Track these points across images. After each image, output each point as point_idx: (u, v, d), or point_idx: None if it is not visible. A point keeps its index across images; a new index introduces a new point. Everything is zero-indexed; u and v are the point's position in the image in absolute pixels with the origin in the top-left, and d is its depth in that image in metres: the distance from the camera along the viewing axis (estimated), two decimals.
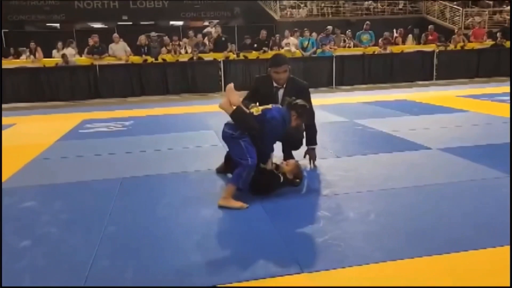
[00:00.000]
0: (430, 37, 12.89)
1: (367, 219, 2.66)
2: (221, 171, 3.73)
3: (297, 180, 3.31)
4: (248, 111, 3.08)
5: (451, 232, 2.45)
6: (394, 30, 13.49)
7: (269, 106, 3.18)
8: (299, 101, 3.21)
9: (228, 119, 3.10)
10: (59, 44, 11.39)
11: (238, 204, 2.95)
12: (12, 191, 3.48)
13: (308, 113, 3.34)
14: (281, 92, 3.74)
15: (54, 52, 11.37)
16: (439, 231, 2.46)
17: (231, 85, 3.10)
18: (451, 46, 12.59)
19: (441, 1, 17.46)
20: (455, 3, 17.36)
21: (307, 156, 3.92)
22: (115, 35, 11.45)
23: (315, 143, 3.90)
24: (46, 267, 2.22)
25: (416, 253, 2.19)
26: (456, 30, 13.63)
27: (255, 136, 3.04)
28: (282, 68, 3.62)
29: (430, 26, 13.52)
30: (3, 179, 3.79)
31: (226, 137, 3.10)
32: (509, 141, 4.41)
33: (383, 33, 12.62)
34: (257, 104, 3.21)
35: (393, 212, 2.77)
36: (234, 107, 3.01)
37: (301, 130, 3.92)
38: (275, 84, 3.71)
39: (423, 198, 3.01)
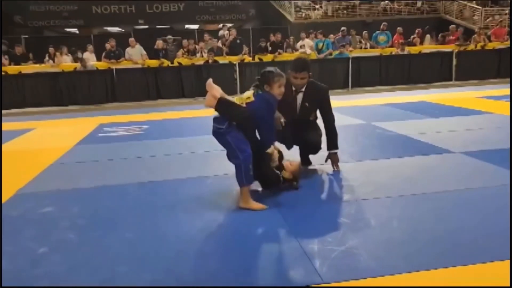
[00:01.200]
0: (451, 37, 12.66)
1: (388, 227, 2.59)
2: None
3: (295, 183, 3.30)
4: (231, 101, 3.01)
5: (475, 240, 2.36)
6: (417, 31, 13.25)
7: (251, 95, 3.04)
8: (262, 72, 3.09)
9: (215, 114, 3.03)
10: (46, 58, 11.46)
11: (258, 206, 2.95)
12: (31, 196, 3.51)
13: (277, 72, 3.12)
14: (300, 96, 3.70)
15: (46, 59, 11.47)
16: (463, 239, 2.38)
17: (210, 80, 3.04)
18: (471, 46, 12.34)
19: (460, 1, 17.15)
20: (474, 2, 17.04)
21: (329, 161, 3.85)
22: (131, 39, 11.58)
23: (337, 147, 3.82)
24: (65, 273, 2.21)
25: (439, 264, 2.11)
26: (476, 30, 13.37)
27: (246, 126, 2.98)
28: (301, 74, 3.58)
29: (452, 26, 13.28)
30: (23, 183, 3.83)
31: (215, 132, 3.04)
32: None
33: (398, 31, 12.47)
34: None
35: (415, 219, 2.69)
36: (217, 100, 2.94)
37: (319, 133, 3.87)
38: (294, 88, 3.67)
39: (445, 204, 2.92)
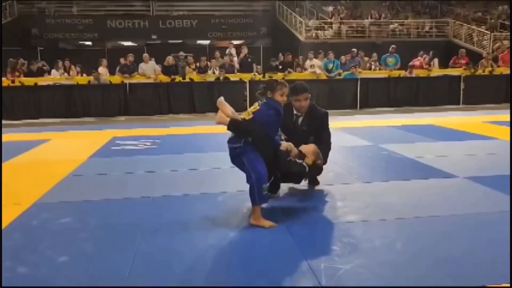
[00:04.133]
0: (461, 61, 12.80)
1: (393, 248, 2.70)
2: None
3: (319, 161, 3.46)
4: (241, 119, 3.16)
5: (477, 264, 2.46)
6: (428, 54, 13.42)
7: (256, 106, 3.20)
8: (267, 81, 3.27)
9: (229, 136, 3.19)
10: (60, 63, 11.73)
11: (268, 223, 3.07)
12: (49, 206, 3.66)
13: (279, 81, 3.29)
14: (300, 120, 3.81)
15: (53, 71, 11.70)
16: (465, 263, 2.48)
17: (222, 98, 3.20)
18: (479, 71, 12.47)
19: (468, 25, 17.36)
20: (483, 27, 17.22)
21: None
22: (145, 54, 11.86)
23: (324, 161, 3.75)
24: (84, 282, 2.34)
25: (438, 285, 2.21)
26: (484, 55, 13.51)
27: (258, 138, 3.07)
28: (303, 96, 3.71)
29: (461, 50, 13.44)
30: (40, 194, 3.99)
31: (232, 153, 3.16)
32: None
33: (411, 57, 12.65)
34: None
35: (419, 241, 2.80)
36: (229, 119, 3.10)
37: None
38: (295, 112, 3.80)
39: (449, 228, 3.02)
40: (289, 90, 3.76)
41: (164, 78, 11.51)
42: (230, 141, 3.17)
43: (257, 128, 3.08)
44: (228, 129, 3.14)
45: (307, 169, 3.41)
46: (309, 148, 3.46)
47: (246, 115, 3.18)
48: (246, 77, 11.63)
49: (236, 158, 3.16)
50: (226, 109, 3.15)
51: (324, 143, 3.76)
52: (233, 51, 13.23)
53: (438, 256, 2.56)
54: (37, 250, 2.76)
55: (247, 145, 3.06)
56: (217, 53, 12.87)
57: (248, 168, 3.06)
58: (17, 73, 11.21)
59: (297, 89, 3.74)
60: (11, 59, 11.47)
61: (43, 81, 11.19)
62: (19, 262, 2.58)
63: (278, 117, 3.18)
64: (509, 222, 3.04)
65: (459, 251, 2.63)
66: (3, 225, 3.17)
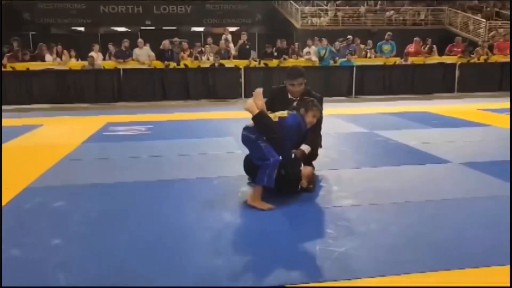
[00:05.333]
0: (456, 49, 12.79)
1: (387, 231, 2.70)
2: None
3: (311, 186, 3.46)
4: (269, 117, 3.20)
5: (468, 247, 2.47)
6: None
7: (285, 113, 3.29)
8: (303, 98, 3.34)
9: (246, 123, 3.22)
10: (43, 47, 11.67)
11: (265, 206, 3.07)
12: (42, 190, 3.63)
13: (316, 103, 3.41)
14: (295, 104, 3.79)
15: (47, 56, 11.60)
16: (461, 245, 2.49)
17: (260, 90, 3.22)
18: (475, 59, 12.47)
19: (464, 13, 17.31)
20: (478, 15, 17.18)
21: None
22: (140, 40, 11.73)
23: (308, 149, 3.60)
24: (79, 264, 2.32)
25: (432, 267, 2.22)
26: (480, 43, 13.51)
27: (274, 139, 3.13)
28: (297, 81, 3.69)
29: (457, 38, 13.43)
30: (33, 178, 3.95)
31: (246, 140, 3.22)
32: None
33: (406, 45, 12.61)
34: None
35: (413, 225, 2.80)
36: (258, 110, 3.12)
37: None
38: (290, 96, 3.77)
39: (442, 212, 3.03)
40: (285, 74, 3.76)
41: (159, 64, 11.39)
42: (245, 129, 3.21)
43: (279, 132, 3.15)
44: (253, 119, 3.15)
45: (299, 188, 3.42)
46: (305, 172, 3.46)
47: (273, 116, 3.23)
48: (242, 63, 11.54)
49: (251, 143, 3.19)
50: (259, 100, 3.17)
51: (313, 140, 3.69)
52: (229, 37, 13.10)
53: (433, 240, 2.57)
54: (30, 233, 2.74)
55: (260, 137, 3.12)
56: (210, 39, 12.71)
57: (265, 152, 3.08)
58: (14, 60, 11.08)
59: (292, 73, 3.73)
60: (15, 49, 11.35)
61: (35, 66, 11.03)
62: (11, 244, 2.55)
63: (296, 135, 3.28)
64: (503, 207, 3.06)
65: (453, 234, 2.65)
66: None
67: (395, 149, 5.06)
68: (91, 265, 2.30)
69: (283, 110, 3.58)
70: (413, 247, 2.47)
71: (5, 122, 7.30)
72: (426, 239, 2.57)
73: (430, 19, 18.14)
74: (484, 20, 16.38)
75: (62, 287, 2.12)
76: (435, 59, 12.73)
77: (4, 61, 10.89)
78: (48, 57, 11.54)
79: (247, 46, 12.51)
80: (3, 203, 3.27)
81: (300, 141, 3.46)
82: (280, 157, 3.13)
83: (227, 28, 14.61)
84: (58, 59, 11.44)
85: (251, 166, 3.40)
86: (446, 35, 16.42)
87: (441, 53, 13.23)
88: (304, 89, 3.74)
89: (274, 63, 11.91)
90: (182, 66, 11.49)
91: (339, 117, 7.11)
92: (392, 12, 18.16)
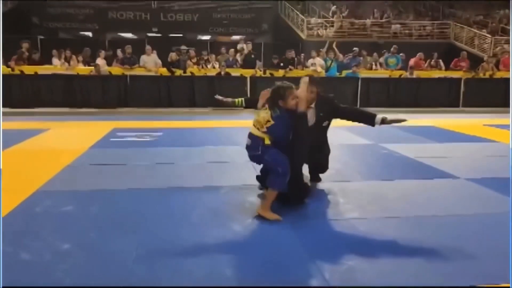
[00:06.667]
0: (462, 63, 12.84)
1: (393, 245, 2.72)
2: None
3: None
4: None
5: (477, 264, 2.48)
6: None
7: (269, 119, 3.15)
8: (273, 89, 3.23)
9: (246, 143, 3.28)
10: (54, 52, 11.80)
11: (274, 216, 3.09)
12: (51, 194, 3.65)
13: (283, 84, 3.25)
14: (310, 112, 3.83)
15: (55, 60, 11.72)
16: (465, 261, 2.50)
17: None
18: (480, 74, 12.51)
19: (469, 28, 17.39)
20: (484, 30, 17.26)
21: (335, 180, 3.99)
22: (148, 47, 11.82)
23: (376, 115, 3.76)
24: (88, 269, 2.34)
25: (440, 283, 2.23)
26: (485, 58, 13.55)
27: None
28: (311, 89, 3.73)
29: (463, 52, 13.49)
30: (42, 182, 3.98)
31: (254, 159, 3.31)
32: None
33: (410, 59, 12.68)
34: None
35: (418, 240, 2.81)
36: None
37: (327, 153, 4.03)
38: None
39: (448, 228, 3.03)
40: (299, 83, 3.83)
41: (165, 72, 11.47)
42: (248, 148, 3.28)
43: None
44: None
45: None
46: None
47: (257, 123, 3.18)
48: (247, 73, 11.61)
49: (258, 159, 3.28)
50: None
51: (354, 110, 4.11)
52: (245, 46, 13.17)
53: (439, 256, 2.58)
54: (40, 237, 2.76)
55: (264, 147, 3.15)
56: (223, 49, 12.81)
57: (273, 164, 3.12)
58: (21, 62, 11.18)
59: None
60: (20, 50, 11.46)
61: (43, 70, 11.13)
62: (21, 247, 2.58)
63: (290, 130, 3.21)
64: (507, 222, 3.06)
65: (460, 250, 2.65)
66: (4, 213, 3.16)
67: (401, 162, 5.07)
68: (98, 271, 2.32)
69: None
70: (420, 262, 2.48)
71: (13, 125, 7.37)
72: (433, 255, 2.58)
73: (435, 33, 18.23)
74: (489, 35, 16.45)
75: (62, 287, 2.14)
76: (440, 73, 12.77)
77: (12, 64, 10.99)
78: (55, 61, 11.63)
79: (252, 56, 12.59)
80: (13, 206, 3.30)
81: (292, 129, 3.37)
82: (287, 163, 3.12)
83: (242, 37, 14.70)
84: (66, 64, 11.52)
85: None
86: (451, 49, 16.49)
87: (446, 67, 13.28)
88: (315, 97, 3.80)
89: (279, 73, 11.97)
90: (188, 73, 11.57)
91: (344, 128, 7.12)
92: (398, 25, 18.26)
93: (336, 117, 3.95)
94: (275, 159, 3.12)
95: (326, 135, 4.06)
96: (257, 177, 3.77)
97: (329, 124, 3.98)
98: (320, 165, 4.01)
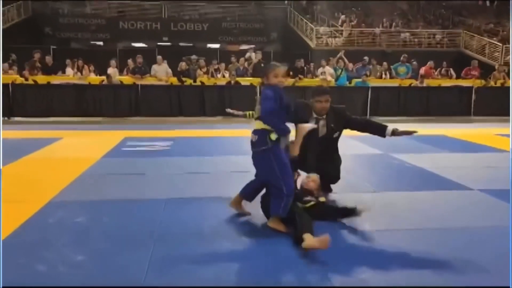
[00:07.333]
0: (473, 72, 12.77)
1: (405, 258, 2.70)
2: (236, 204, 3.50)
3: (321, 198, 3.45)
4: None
5: (486, 277, 2.46)
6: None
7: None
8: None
9: (251, 139, 3.16)
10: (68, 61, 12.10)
11: (285, 228, 3.05)
12: (65, 204, 3.69)
13: (270, 64, 3.22)
14: (322, 123, 3.85)
15: (68, 69, 11.96)
16: (475, 276, 2.48)
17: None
18: (491, 83, 12.42)
19: (480, 37, 17.31)
20: (494, 38, 17.17)
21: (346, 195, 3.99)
22: (159, 57, 11.98)
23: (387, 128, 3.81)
24: (100, 281, 2.36)
25: None
26: (496, 66, 13.47)
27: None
28: (324, 98, 3.82)
29: (474, 61, 13.44)
30: (55, 193, 4.02)
31: (257, 155, 3.10)
32: None
33: (421, 67, 12.66)
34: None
35: (430, 252, 2.79)
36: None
37: (338, 163, 4.04)
38: (315, 115, 3.84)
39: (462, 241, 3.01)
40: (311, 93, 3.87)
41: (176, 81, 11.59)
42: (253, 145, 3.10)
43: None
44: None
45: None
46: (311, 186, 3.48)
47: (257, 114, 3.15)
48: (257, 82, 11.64)
49: (259, 156, 3.08)
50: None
51: (365, 121, 4.16)
52: (253, 55, 13.27)
53: (452, 269, 2.55)
54: (54, 248, 2.79)
55: (273, 145, 3.00)
56: (233, 58, 12.90)
57: (278, 174, 2.97)
58: (35, 71, 11.38)
59: (319, 91, 3.95)
60: (33, 59, 11.68)
61: (56, 79, 11.30)
62: (36, 259, 2.61)
63: (274, 93, 3.00)
64: None
65: (473, 263, 2.62)
66: (19, 223, 3.20)
67: (412, 173, 5.04)
68: (112, 282, 2.34)
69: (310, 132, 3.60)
70: (430, 275, 2.46)
71: (26, 134, 7.49)
72: (445, 267, 2.56)
73: (445, 41, 18.17)
74: (500, 44, 16.35)
75: (62, 287, 2.17)
76: (450, 82, 12.71)
77: (26, 74, 11.18)
78: (69, 70, 11.82)
79: (262, 65, 12.65)
80: (27, 217, 3.34)
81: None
82: (292, 184, 3.10)
83: (251, 47, 14.83)
84: (79, 73, 11.70)
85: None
86: (462, 58, 16.42)
87: (456, 75, 13.22)
88: (328, 107, 3.85)
89: (289, 82, 12.01)
90: (198, 83, 11.66)
91: (354, 138, 7.09)
92: (407, 34, 18.24)
93: (347, 127, 3.97)
94: (282, 171, 2.97)
95: (337, 146, 4.09)
96: (262, 208, 3.46)
97: (339, 135, 3.99)
98: (331, 176, 4.02)
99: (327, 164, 3.90)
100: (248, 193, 3.43)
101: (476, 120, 11.13)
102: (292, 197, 3.07)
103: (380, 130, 3.83)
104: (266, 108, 3.00)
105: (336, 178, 4.03)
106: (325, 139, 3.91)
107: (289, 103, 3.17)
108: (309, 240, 2.69)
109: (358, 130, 4.01)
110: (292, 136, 3.23)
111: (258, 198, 3.42)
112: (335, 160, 4.07)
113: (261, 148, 3.04)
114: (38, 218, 3.35)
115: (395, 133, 3.71)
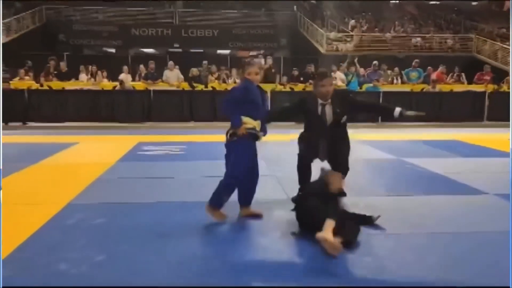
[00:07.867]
0: (485, 77, 12.70)
1: (422, 263, 2.71)
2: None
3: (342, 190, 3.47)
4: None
5: (500, 281, 2.44)
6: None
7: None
8: None
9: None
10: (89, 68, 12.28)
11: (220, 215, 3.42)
12: (83, 207, 3.77)
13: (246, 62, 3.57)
14: (328, 108, 3.82)
15: (82, 75, 12.17)
16: (496, 280, 2.47)
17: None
18: (504, 87, 12.33)
19: (492, 42, 17.20)
20: (507, 43, 17.02)
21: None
22: (171, 63, 12.12)
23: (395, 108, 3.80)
24: (123, 280, 2.41)
25: None
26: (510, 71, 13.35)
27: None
28: (328, 81, 3.77)
29: (486, 66, 13.36)
30: (73, 195, 4.10)
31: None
32: None
33: (431, 71, 12.61)
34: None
35: (445, 257, 2.79)
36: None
37: (347, 151, 3.97)
38: (320, 102, 3.82)
39: (477, 245, 3.00)
40: (315, 78, 3.88)
41: (187, 86, 11.70)
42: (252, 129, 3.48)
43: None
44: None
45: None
46: (336, 184, 3.46)
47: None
48: (268, 87, 11.71)
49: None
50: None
51: (371, 103, 4.04)
52: (265, 61, 13.36)
53: (465, 272, 2.56)
54: (75, 248, 2.85)
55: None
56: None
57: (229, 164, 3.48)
58: (50, 77, 11.61)
59: (322, 75, 3.87)
60: (48, 65, 11.92)
61: (70, 85, 11.50)
62: (58, 259, 2.68)
63: (240, 92, 3.40)
64: None
65: (490, 268, 2.63)
66: (39, 225, 3.28)
67: (426, 177, 5.03)
68: (134, 281, 2.39)
69: (314, 115, 3.76)
70: (446, 278, 2.47)
71: (43, 139, 7.63)
72: (459, 271, 2.57)
73: (457, 46, 18.07)
74: None
75: (64, 287, 2.21)
76: (463, 87, 12.64)
77: (41, 80, 11.41)
78: (82, 76, 12.01)
79: (273, 70, 12.73)
80: (46, 219, 3.42)
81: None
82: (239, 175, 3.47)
83: (261, 52, 14.90)
84: (92, 79, 11.89)
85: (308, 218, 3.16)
86: (474, 63, 16.30)
87: (468, 80, 13.14)
88: (332, 90, 3.82)
89: (299, 87, 12.06)
90: (209, 88, 11.76)
91: (367, 143, 7.12)
92: (418, 39, 18.18)
93: (353, 111, 3.94)
94: (234, 160, 3.55)
95: (346, 131, 3.97)
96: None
97: (347, 119, 3.89)
98: (338, 164, 3.86)
99: (335, 152, 3.84)
100: (242, 199, 3.61)
101: (489, 125, 11.04)
102: (230, 190, 3.46)
103: (388, 111, 3.84)
104: (226, 96, 3.40)
105: (344, 167, 3.86)
106: (333, 126, 3.83)
107: (258, 100, 3.44)
108: (327, 234, 2.74)
109: (366, 112, 3.98)
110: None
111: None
112: (343, 148, 3.93)
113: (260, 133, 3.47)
114: (58, 220, 3.42)
115: (403, 114, 3.70)
